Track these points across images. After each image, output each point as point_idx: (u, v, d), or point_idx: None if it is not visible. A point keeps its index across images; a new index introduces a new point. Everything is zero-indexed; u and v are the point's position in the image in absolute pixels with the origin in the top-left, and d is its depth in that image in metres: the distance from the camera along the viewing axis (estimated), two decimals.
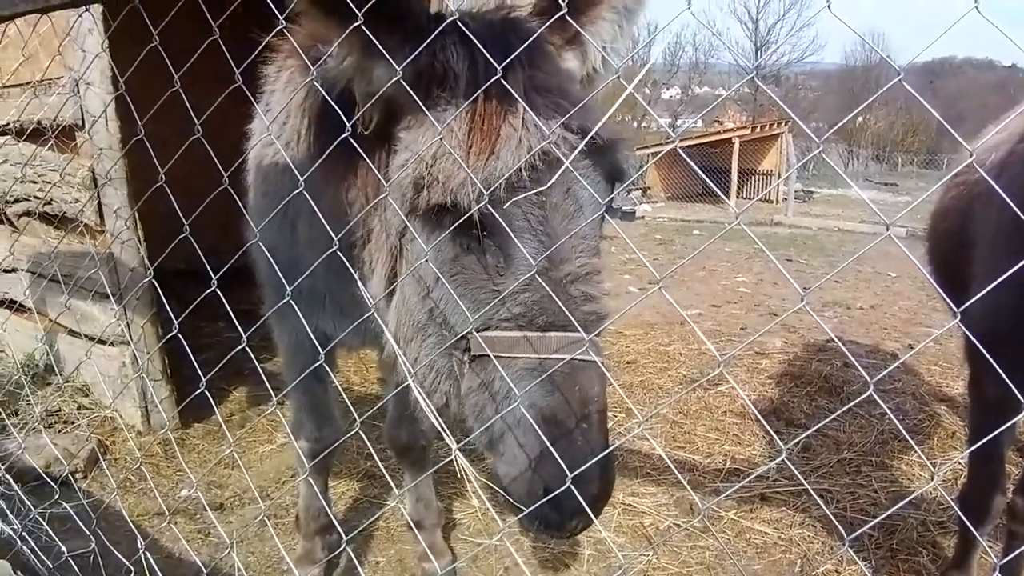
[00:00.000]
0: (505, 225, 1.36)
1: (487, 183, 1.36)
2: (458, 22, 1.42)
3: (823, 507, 3.40)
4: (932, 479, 3.75)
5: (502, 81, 1.37)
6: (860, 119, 42.51)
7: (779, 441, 1.08)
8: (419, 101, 1.42)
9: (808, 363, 5.52)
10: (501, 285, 1.41)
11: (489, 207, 1.36)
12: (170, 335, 1.79)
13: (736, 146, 19.45)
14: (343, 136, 1.47)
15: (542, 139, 1.36)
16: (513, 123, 1.40)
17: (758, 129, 21.77)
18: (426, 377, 1.56)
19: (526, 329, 1.38)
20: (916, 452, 4.07)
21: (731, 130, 20.86)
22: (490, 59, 1.37)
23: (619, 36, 1.58)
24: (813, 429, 4.10)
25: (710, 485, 3.70)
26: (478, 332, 1.41)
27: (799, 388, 4.99)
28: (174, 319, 1.60)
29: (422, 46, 1.40)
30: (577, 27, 1.41)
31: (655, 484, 3.72)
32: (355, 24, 1.35)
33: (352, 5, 1.33)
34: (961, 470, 3.63)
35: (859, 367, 1.16)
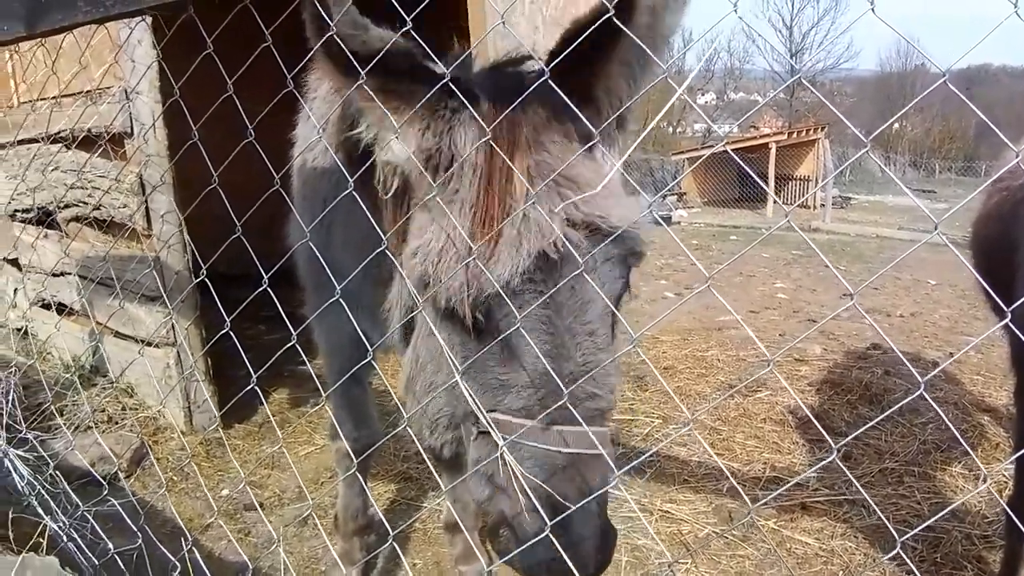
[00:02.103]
0: (501, 324, 1.38)
1: (486, 289, 1.35)
2: (466, 98, 1.41)
3: (865, 517, 3.42)
4: (982, 480, 3.68)
5: (509, 166, 1.37)
6: (896, 125, 41.91)
7: (830, 440, 1.06)
8: (429, 179, 1.43)
9: (848, 371, 5.43)
10: (506, 377, 1.43)
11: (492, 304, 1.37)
12: (219, 335, 1.82)
13: (773, 151, 19.24)
14: (347, 191, 1.53)
15: (543, 239, 1.34)
16: (515, 220, 1.37)
17: (795, 135, 21.54)
18: (432, 429, 1.62)
19: (531, 418, 1.39)
20: (959, 463, 3.99)
21: (768, 135, 20.62)
22: (497, 149, 1.38)
23: (633, 91, 1.51)
24: (860, 431, 4.04)
25: (749, 493, 3.67)
26: (487, 411, 1.43)
27: (839, 396, 4.92)
28: (226, 317, 1.63)
29: (435, 121, 1.43)
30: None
31: (693, 491, 3.69)
32: (358, 83, 1.38)
33: (357, 65, 1.35)
34: (1006, 482, 3.55)
35: (911, 368, 1.15)
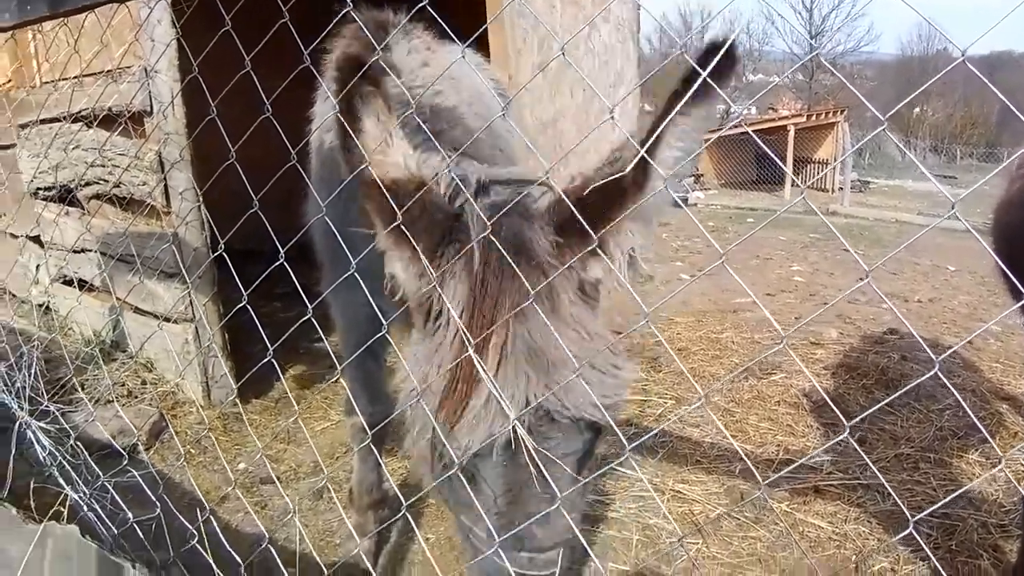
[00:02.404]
0: (469, 491, 1.41)
1: (449, 452, 1.38)
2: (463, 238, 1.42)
3: (880, 502, 3.41)
4: (998, 467, 3.66)
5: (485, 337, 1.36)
6: (917, 109, 41.32)
7: (843, 419, 1.07)
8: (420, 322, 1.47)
9: (865, 355, 5.41)
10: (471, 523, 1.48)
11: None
12: (236, 309, 1.84)
13: (792, 134, 19.05)
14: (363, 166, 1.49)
15: (501, 424, 1.34)
16: (481, 396, 1.36)
17: (814, 117, 21.31)
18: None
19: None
20: (976, 451, 3.97)
21: (786, 117, 20.43)
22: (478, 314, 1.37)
23: (641, 241, 1.48)
24: (874, 409, 4.02)
25: (762, 475, 3.67)
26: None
27: (855, 380, 4.90)
28: (243, 291, 1.65)
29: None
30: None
31: (705, 472, 3.70)
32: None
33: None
34: None
35: (927, 349, 1.15)
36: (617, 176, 1.35)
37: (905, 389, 4.23)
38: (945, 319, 6.66)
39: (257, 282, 1.67)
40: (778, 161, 1.47)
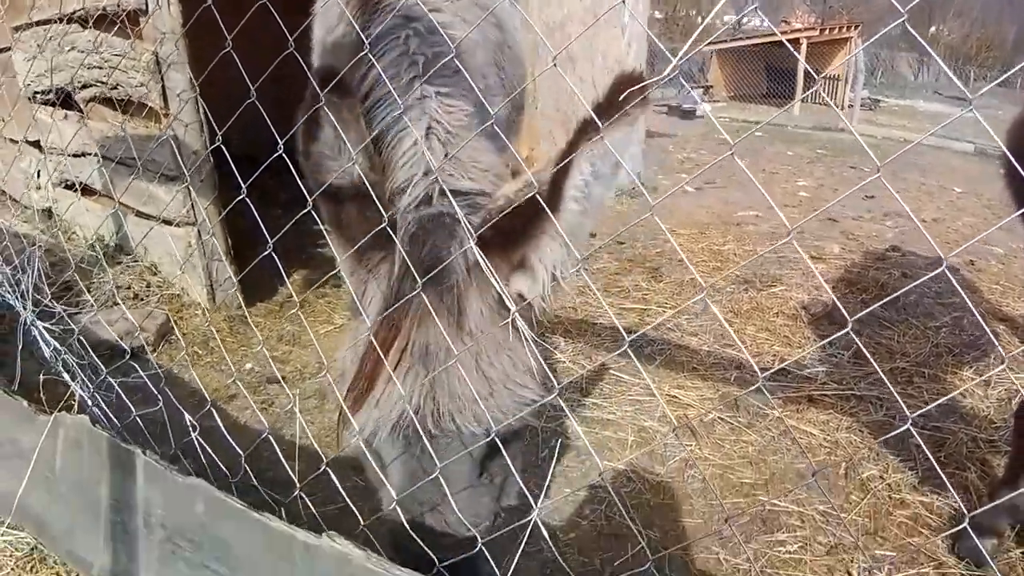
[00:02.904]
0: (373, 462, 1.58)
1: (358, 428, 1.52)
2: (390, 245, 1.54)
3: (872, 413, 3.48)
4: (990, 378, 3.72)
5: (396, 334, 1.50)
6: (933, 28, 39.99)
7: (846, 314, 1.08)
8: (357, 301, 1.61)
9: (865, 271, 5.43)
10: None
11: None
12: (235, 201, 1.84)
13: (804, 47, 18.53)
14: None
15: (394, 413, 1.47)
16: (379, 391, 1.49)
17: (827, 31, 20.66)
18: None
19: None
20: (970, 368, 4.02)
21: (799, 31, 19.78)
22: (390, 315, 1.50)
23: (567, 257, 1.54)
24: (873, 306, 4.06)
25: (757, 383, 3.73)
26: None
27: (854, 295, 4.93)
28: (242, 183, 1.65)
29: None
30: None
31: (701, 379, 3.77)
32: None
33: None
34: (1017, 391, 3.58)
35: (938, 248, 1.15)
36: (531, 198, 1.45)
37: (895, 296, 4.26)
38: (948, 239, 6.65)
39: (256, 174, 1.67)
40: (812, 73, 1.43)
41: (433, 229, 1.53)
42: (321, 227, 1.66)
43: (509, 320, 1.51)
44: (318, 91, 1.46)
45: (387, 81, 1.66)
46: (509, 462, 1.53)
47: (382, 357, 1.47)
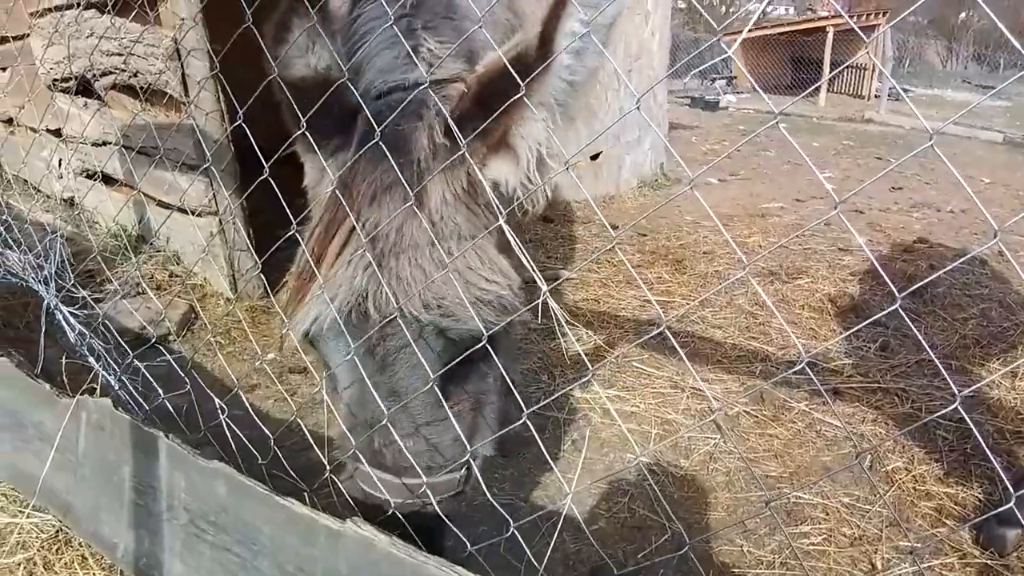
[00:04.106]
0: (325, 356, 1.50)
1: (296, 327, 1.46)
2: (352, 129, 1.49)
3: (898, 405, 3.42)
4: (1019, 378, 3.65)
5: (346, 215, 1.42)
6: (963, 15, 39.29)
7: (895, 291, 1.04)
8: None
9: (892, 262, 5.34)
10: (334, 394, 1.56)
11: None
12: (257, 182, 1.83)
13: (830, 36, 18.29)
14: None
15: (350, 295, 1.39)
16: (328, 273, 1.42)
17: (854, 19, 20.37)
18: None
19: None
20: (998, 360, 3.95)
21: (825, 18, 19.52)
22: (344, 197, 1.44)
23: (553, 131, 1.43)
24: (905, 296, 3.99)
25: (783, 377, 3.68)
26: None
27: (881, 287, 4.85)
28: (264, 164, 1.63)
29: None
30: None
31: (726, 372, 3.72)
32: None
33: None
34: None
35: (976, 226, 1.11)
36: (519, 54, 1.31)
37: (945, 271, 4.18)
38: (976, 230, 6.53)
39: (277, 155, 1.64)
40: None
41: (398, 109, 1.41)
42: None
43: (480, 211, 1.44)
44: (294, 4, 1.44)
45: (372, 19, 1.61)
46: (481, 385, 1.46)
47: (329, 237, 1.40)
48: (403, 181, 1.36)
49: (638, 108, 1.07)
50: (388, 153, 1.35)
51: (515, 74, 1.27)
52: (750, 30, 19.42)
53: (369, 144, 1.38)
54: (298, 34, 1.48)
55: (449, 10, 1.66)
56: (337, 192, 1.40)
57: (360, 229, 1.37)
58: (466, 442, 1.45)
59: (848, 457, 3.10)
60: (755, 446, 3.16)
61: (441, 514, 1.46)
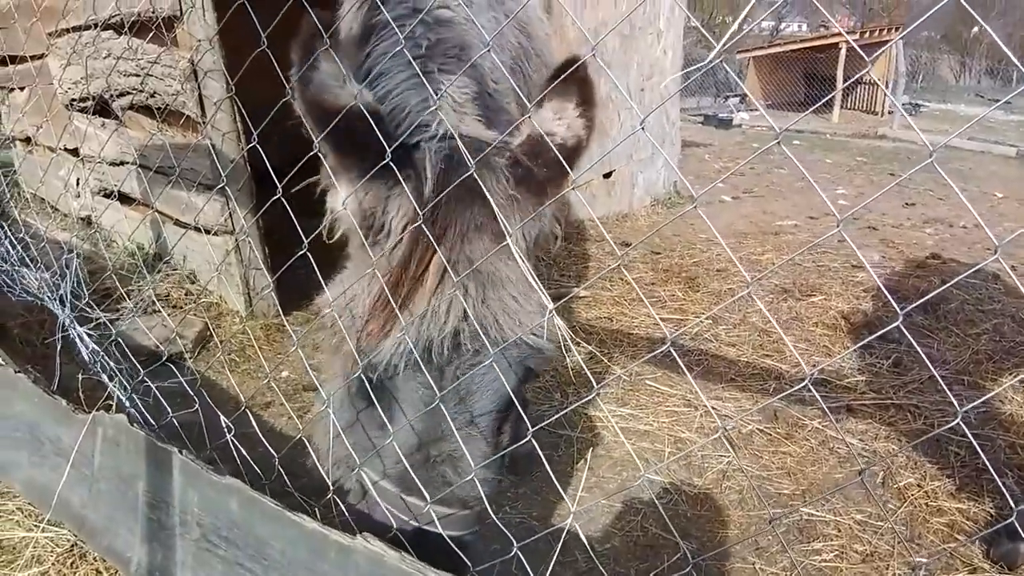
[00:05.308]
0: (385, 391, 1.48)
1: (374, 359, 1.44)
2: (414, 170, 1.52)
3: (911, 422, 3.40)
4: None
5: (429, 256, 1.46)
6: (975, 29, 39.20)
7: (896, 308, 1.05)
8: (360, 237, 1.57)
9: (906, 279, 5.32)
10: (379, 442, 1.52)
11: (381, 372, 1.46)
12: (271, 201, 1.85)
13: (843, 52, 18.29)
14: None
15: (437, 330, 1.42)
16: (416, 306, 1.44)
17: (867, 35, 20.36)
18: None
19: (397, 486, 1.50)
20: (1011, 375, 3.92)
21: (838, 35, 19.54)
22: (428, 236, 1.45)
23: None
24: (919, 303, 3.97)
25: (795, 395, 3.67)
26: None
27: (895, 303, 4.82)
28: (278, 183, 1.66)
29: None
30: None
31: (739, 390, 3.71)
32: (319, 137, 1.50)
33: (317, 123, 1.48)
34: None
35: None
36: (573, 139, 1.53)
37: (954, 282, 4.15)
38: (989, 245, 6.50)
39: (294, 171, 1.67)
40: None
41: (466, 158, 1.51)
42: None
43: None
44: (320, 31, 1.46)
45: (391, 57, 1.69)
46: (520, 410, 1.51)
47: (417, 270, 1.45)
48: (499, 221, 1.50)
49: (643, 128, 1.09)
50: (468, 196, 1.47)
51: (564, 162, 1.49)
52: (761, 47, 19.46)
53: (453, 184, 1.48)
54: (325, 60, 1.50)
55: (463, 51, 1.78)
56: (424, 227, 1.46)
57: (454, 267, 1.46)
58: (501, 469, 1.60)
59: (861, 475, 3.08)
60: (768, 464, 3.15)
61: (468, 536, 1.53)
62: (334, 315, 1.52)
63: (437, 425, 1.46)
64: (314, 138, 1.51)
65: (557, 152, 1.46)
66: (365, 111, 1.44)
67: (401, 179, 1.48)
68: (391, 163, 1.44)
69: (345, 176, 1.55)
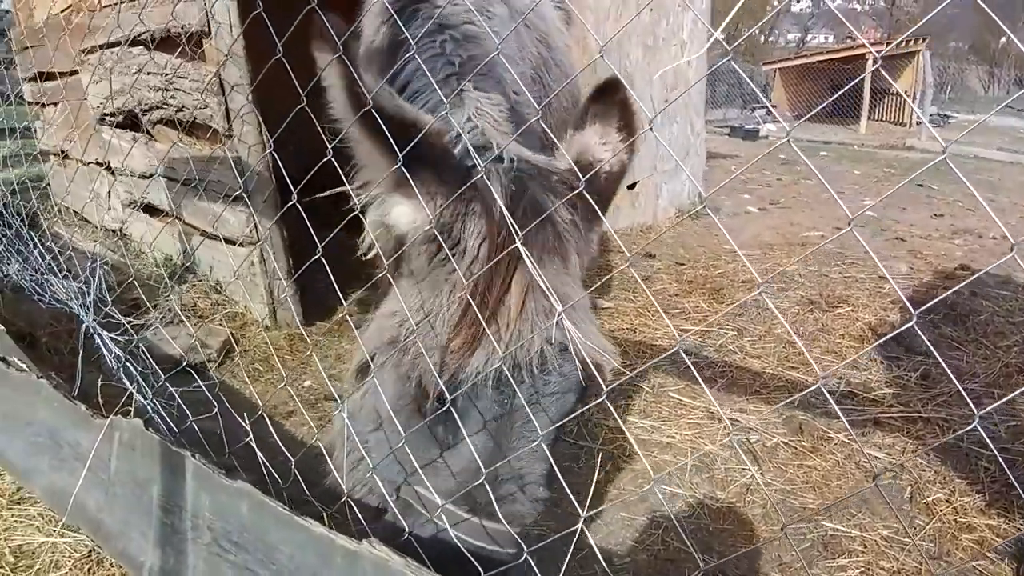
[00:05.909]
0: (453, 410, 1.45)
1: (453, 378, 1.44)
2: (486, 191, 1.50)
3: (939, 436, 3.32)
4: None
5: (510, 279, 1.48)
6: (1004, 39, 38.69)
7: (911, 308, 1.02)
8: (429, 255, 1.57)
9: (934, 290, 5.23)
10: (440, 459, 1.53)
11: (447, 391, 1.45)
12: (287, 206, 1.86)
13: (869, 63, 18.13)
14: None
15: (521, 350, 1.44)
16: (500, 325, 1.45)
17: (893, 46, 20.17)
18: None
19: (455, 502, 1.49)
20: None
21: (864, 46, 19.37)
22: (502, 257, 1.47)
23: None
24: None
25: (821, 408, 3.61)
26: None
27: (922, 315, 4.74)
28: (292, 189, 1.67)
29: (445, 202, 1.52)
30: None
31: (764, 403, 3.66)
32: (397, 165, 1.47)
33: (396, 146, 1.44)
34: None
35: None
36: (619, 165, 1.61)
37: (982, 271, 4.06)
38: (1020, 256, 6.37)
39: (309, 175, 1.68)
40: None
41: (531, 182, 1.58)
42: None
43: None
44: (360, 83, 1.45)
45: (427, 72, 1.67)
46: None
47: (500, 291, 1.46)
48: (565, 244, 1.58)
49: (651, 128, 1.08)
50: (535, 220, 1.47)
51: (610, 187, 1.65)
52: (787, 59, 19.33)
53: (523, 206, 1.52)
54: (367, 74, 1.50)
55: (491, 67, 1.80)
56: (505, 247, 1.47)
57: (532, 291, 1.48)
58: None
59: (888, 489, 3.02)
60: (793, 477, 3.09)
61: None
62: (410, 327, 1.51)
63: (508, 443, 1.49)
64: (371, 149, 1.50)
65: (604, 180, 1.53)
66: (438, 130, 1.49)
67: (480, 198, 1.50)
68: (477, 182, 1.47)
69: (403, 195, 1.54)
